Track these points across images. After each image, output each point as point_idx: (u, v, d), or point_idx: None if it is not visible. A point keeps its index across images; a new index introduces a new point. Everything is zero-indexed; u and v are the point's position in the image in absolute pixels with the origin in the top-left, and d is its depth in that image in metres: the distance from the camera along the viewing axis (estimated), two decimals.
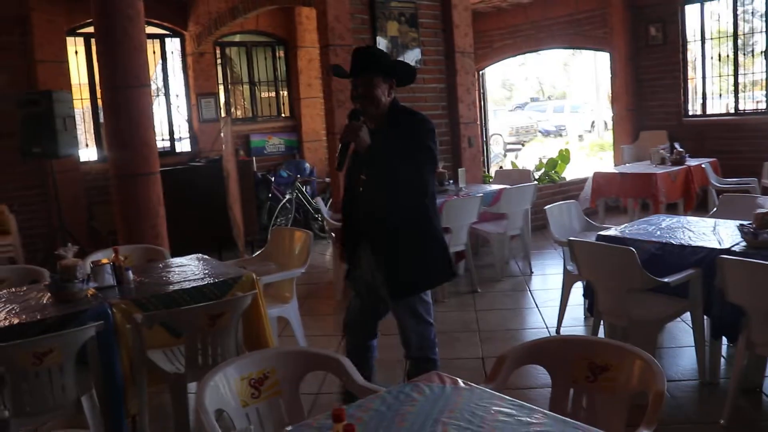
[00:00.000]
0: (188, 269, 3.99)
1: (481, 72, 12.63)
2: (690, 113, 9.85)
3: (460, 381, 2.13)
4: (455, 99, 7.45)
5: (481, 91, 12.77)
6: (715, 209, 5.30)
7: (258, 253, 5.13)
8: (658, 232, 4.18)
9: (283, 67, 10.44)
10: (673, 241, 3.93)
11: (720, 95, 9.72)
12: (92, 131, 9.00)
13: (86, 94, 8.87)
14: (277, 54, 10.38)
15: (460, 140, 7.48)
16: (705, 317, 3.85)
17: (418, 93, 7.19)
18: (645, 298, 3.86)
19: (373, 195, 3.04)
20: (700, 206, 8.05)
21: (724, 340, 3.90)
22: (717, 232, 4.07)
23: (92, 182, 8.54)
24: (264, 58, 10.31)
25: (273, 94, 10.51)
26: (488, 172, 11.53)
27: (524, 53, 12.30)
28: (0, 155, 7.97)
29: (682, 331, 4.57)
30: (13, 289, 3.81)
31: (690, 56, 9.79)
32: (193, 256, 4.36)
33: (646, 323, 3.69)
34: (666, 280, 3.58)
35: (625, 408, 2.14)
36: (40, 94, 7.05)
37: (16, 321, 3.11)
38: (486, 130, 13.05)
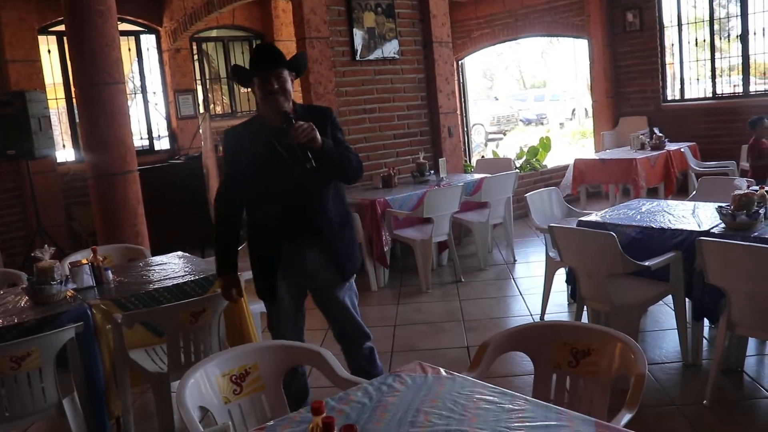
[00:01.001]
0: (169, 267, 3.95)
1: (460, 62, 12.62)
2: (669, 98, 9.91)
3: (442, 370, 2.13)
4: (434, 89, 7.44)
5: (461, 80, 12.77)
6: (694, 192, 5.34)
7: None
8: (639, 217, 4.19)
9: None
10: (653, 225, 3.95)
11: (698, 80, 9.79)
12: (69, 131, 8.89)
13: (61, 94, 8.77)
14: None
15: (440, 130, 7.48)
16: (687, 300, 3.87)
17: (396, 84, 7.18)
18: (626, 283, 3.88)
19: (314, 188, 3.00)
20: (680, 190, 8.11)
21: (706, 321, 3.93)
22: (696, 215, 4.10)
23: (70, 183, 8.44)
24: (241, 53, 10.24)
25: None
26: (470, 161, 11.54)
27: (503, 42, 12.29)
28: None
29: (664, 314, 4.60)
30: None
31: (667, 42, 9.83)
32: (173, 254, 4.33)
33: (629, 307, 3.71)
34: (647, 263, 3.59)
35: (608, 392, 2.14)
36: (13, 94, 6.97)
37: None
38: (467, 119, 13.05)
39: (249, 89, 3.09)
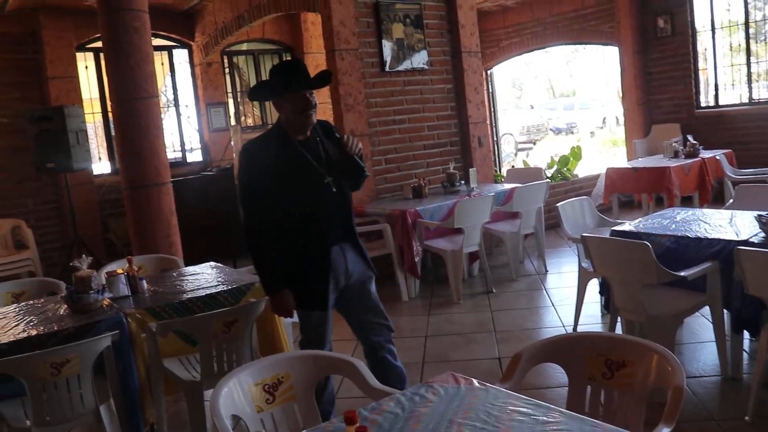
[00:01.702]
0: (202, 277, 4.00)
1: (488, 71, 12.60)
2: (702, 105, 9.76)
3: (475, 381, 2.11)
4: (463, 99, 7.44)
5: (490, 90, 12.74)
6: (731, 201, 5.24)
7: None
8: (673, 226, 4.13)
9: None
10: (689, 234, 3.89)
11: (733, 85, 9.63)
12: (105, 144, 9.07)
13: (98, 108, 8.95)
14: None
15: (470, 140, 7.46)
16: (725, 311, 3.79)
17: (426, 94, 7.20)
18: (662, 293, 3.82)
19: (346, 193, 3.21)
20: (716, 198, 7.97)
21: (746, 334, 3.85)
22: (734, 224, 4.02)
23: (106, 195, 8.61)
24: (272, 65, 10.32)
25: (268, 101, 10.51)
26: (500, 171, 11.49)
27: (531, 51, 12.23)
28: (16, 171, 8.09)
29: (701, 326, 4.51)
30: (31, 302, 3.87)
31: (700, 47, 9.70)
32: (206, 264, 4.39)
33: (664, 318, 3.64)
34: (682, 273, 3.53)
35: (644, 405, 2.10)
36: (53, 109, 7.14)
37: (34, 332, 3.16)
38: (496, 129, 13.01)
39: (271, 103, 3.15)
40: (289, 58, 3.16)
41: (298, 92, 2.98)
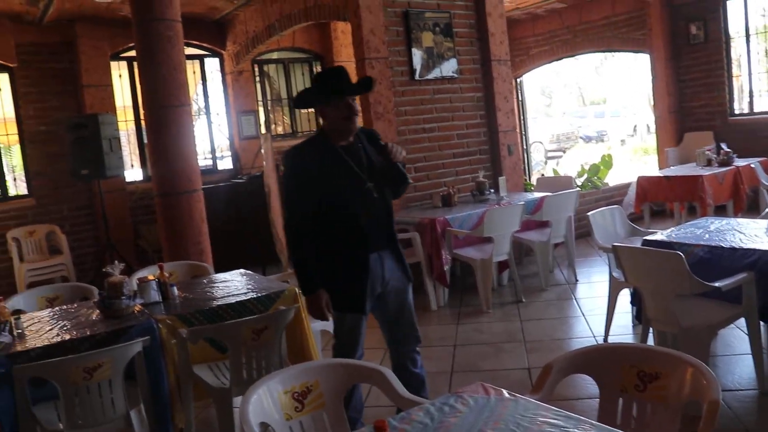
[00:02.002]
0: (232, 284, 4.03)
1: (518, 79, 12.55)
2: (736, 112, 9.60)
3: (504, 392, 2.10)
4: (493, 107, 7.41)
5: (520, 98, 12.67)
6: (767, 210, 5.13)
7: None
8: (707, 236, 4.06)
9: None
10: (723, 244, 3.82)
11: None
12: (137, 152, 9.21)
13: (131, 116, 9.11)
14: (315, 69, 10.48)
15: (500, 149, 7.43)
16: (761, 323, 3.71)
17: (455, 102, 7.19)
18: (695, 304, 3.75)
19: (387, 200, 3.25)
20: (750, 208, 7.82)
21: None
22: None
23: (138, 201, 8.74)
24: (302, 74, 10.43)
25: (312, 109, 10.58)
26: (529, 180, 11.42)
27: (561, 59, 12.15)
28: (52, 178, 8.26)
29: (737, 339, 4.42)
30: (65, 306, 3.94)
31: (734, 53, 9.54)
32: (236, 271, 4.42)
33: (698, 330, 3.58)
34: (717, 284, 3.47)
35: (678, 418, 2.07)
36: (87, 117, 7.29)
37: (67, 337, 3.22)
38: (526, 137, 12.93)
39: (313, 110, 3.19)
40: (331, 66, 3.20)
41: (342, 98, 3.05)
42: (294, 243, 3.16)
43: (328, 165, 3.12)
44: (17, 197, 8.35)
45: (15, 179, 8.57)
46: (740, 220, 4.55)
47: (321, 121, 3.22)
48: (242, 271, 4.41)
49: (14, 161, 8.63)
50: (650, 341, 3.96)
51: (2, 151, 8.28)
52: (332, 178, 3.12)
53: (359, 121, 3.19)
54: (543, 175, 14.23)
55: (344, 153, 3.15)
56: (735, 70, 9.59)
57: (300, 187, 3.13)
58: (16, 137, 8.25)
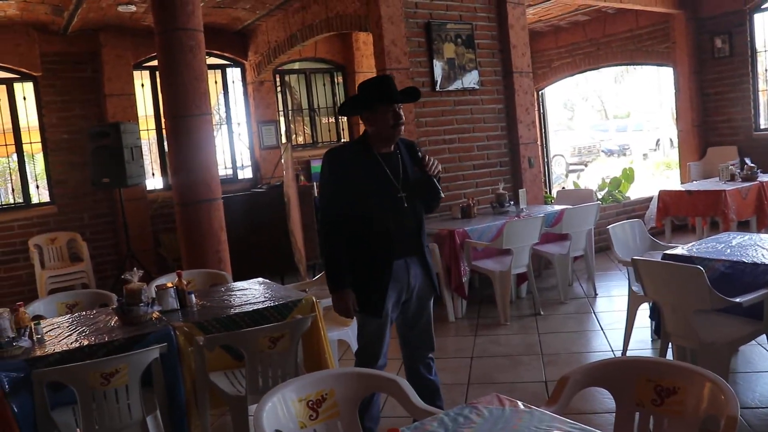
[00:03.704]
0: (249, 293, 4.05)
1: (540, 92, 12.51)
2: (762, 127, 9.48)
3: (520, 403, 2.08)
4: (514, 119, 7.39)
5: (542, 111, 12.63)
6: None
7: (318, 276, 5.16)
8: (728, 251, 4.01)
9: (341, 92, 10.59)
10: (744, 259, 3.77)
11: None
12: (158, 161, 9.30)
13: (152, 125, 9.21)
14: (336, 80, 10.54)
15: (520, 161, 7.41)
16: None
17: (476, 114, 7.19)
18: (715, 320, 3.70)
19: (419, 210, 3.31)
20: None
21: None
22: None
23: (159, 210, 8.82)
24: (323, 84, 10.49)
25: (333, 119, 10.65)
26: (550, 192, 11.36)
27: (584, 71, 12.10)
28: (74, 186, 8.37)
29: (759, 356, 4.35)
30: (84, 312, 3.97)
31: (760, 67, 9.43)
32: (254, 280, 4.43)
33: (717, 346, 3.53)
34: (737, 300, 3.42)
35: None
36: (109, 126, 7.37)
37: (85, 342, 3.24)
38: (547, 150, 12.88)
39: (359, 116, 3.27)
40: (378, 75, 3.26)
41: (390, 106, 3.12)
42: (326, 240, 3.23)
43: (365, 170, 3.20)
44: (40, 204, 8.46)
45: (38, 187, 8.69)
46: (763, 235, 4.49)
47: (366, 127, 3.27)
48: (260, 279, 4.43)
49: (37, 169, 8.75)
50: (669, 356, 3.91)
51: (26, 159, 8.40)
52: (367, 183, 3.19)
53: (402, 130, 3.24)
54: (564, 188, 14.14)
55: (383, 160, 3.23)
56: (761, 85, 9.48)
57: (336, 188, 3.22)
58: (39, 145, 8.37)
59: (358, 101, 3.26)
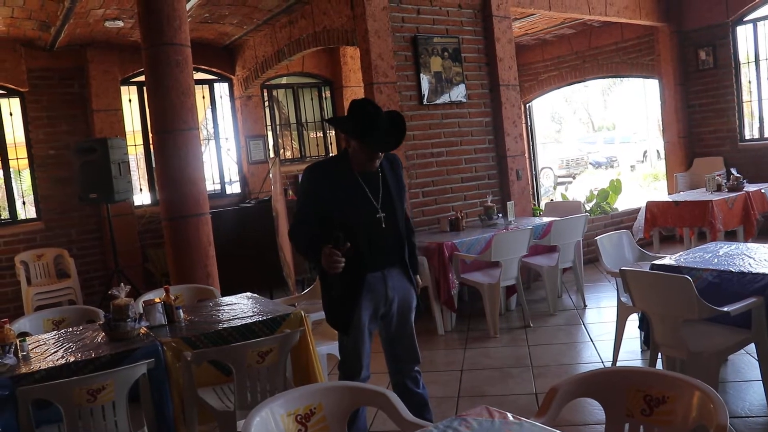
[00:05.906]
0: (238, 307, 4.02)
1: (527, 105, 12.59)
2: (747, 137, 9.57)
3: (509, 415, 2.07)
4: (501, 132, 7.42)
5: (529, 124, 12.71)
6: None
7: (307, 290, 5.14)
8: (716, 260, 4.03)
9: (329, 107, 10.61)
10: (732, 269, 3.78)
11: None
12: (146, 176, 9.27)
13: (140, 140, 9.18)
14: (324, 94, 10.56)
15: (508, 173, 7.43)
16: None
17: (464, 127, 7.21)
18: (704, 329, 3.71)
19: (395, 225, 3.25)
20: (761, 233, 7.78)
21: None
22: None
23: (146, 225, 8.78)
24: (311, 99, 10.50)
25: (321, 134, 10.67)
26: (538, 205, 11.40)
27: (570, 84, 12.20)
28: (61, 201, 8.31)
29: (747, 365, 4.36)
30: (70, 329, 3.93)
31: (744, 79, 9.54)
32: (242, 294, 4.41)
33: (706, 355, 3.53)
34: (725, 309, 3.43)
35: None
36: (97, 141, 7.33)
37: (72, 359, 3.21)
38: (535, 163, 12.94)
39: (342, 132, 3.21)
40: (371, 103, 3.12)
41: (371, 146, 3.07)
42: (294, 231, 3.22)
43: (342, 188, 3.15)
44: (26, 221, 8.40)
45: (24, 203, 8.63)
46: (750, 244, 4.51)
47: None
48: (249, 294, 4.41)
49: (24, 185, 8.69)
50: (659, 366, 3.92)
51: (12, 175, 8.34)
52: (343, 199, 3.15)
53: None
54: (552, 200, 14.20)
55: (362, 179, 3.18)
56: (745, 96, 9.58)
57: (309, 205, 3.19)
58: (26, 161, 8.32)
59: (345, 123, 3.14)
